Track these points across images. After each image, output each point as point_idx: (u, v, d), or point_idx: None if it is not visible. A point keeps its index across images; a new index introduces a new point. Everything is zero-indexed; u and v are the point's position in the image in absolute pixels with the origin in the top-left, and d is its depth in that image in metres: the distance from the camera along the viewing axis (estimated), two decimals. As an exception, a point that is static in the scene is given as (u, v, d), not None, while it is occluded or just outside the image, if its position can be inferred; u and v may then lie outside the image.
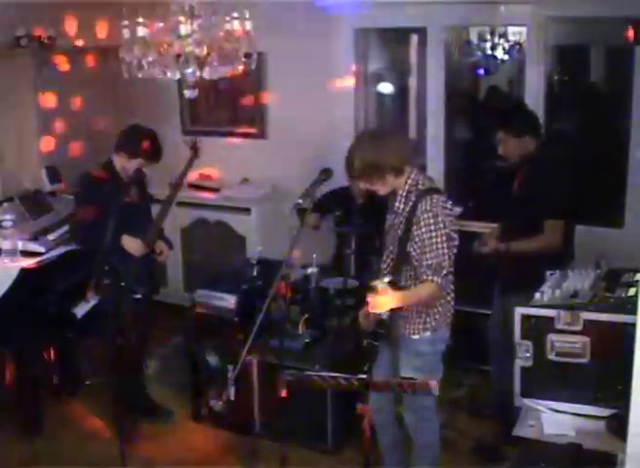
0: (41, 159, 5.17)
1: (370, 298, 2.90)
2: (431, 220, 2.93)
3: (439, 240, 2.94)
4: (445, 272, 2.97)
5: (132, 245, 3.91)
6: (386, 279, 2.90)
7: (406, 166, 3.04)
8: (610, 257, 3.35)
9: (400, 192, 3.05)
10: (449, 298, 3.15)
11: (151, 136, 4.00)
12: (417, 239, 2.96)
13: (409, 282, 3.06)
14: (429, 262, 2.94)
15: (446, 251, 2.95)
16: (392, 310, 2.97)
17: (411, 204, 3.00)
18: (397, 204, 3.06)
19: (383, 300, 2.89)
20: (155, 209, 4.24)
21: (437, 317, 3.10)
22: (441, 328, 3.13)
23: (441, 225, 2.94)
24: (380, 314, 2.96)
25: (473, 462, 3.78)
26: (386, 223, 3.20)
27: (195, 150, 4.22)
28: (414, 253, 2.99)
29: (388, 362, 3.18)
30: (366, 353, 3.06)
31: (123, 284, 3.71)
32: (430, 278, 2.94)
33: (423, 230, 2.93)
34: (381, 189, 3.07)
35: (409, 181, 3.03)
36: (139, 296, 3.84)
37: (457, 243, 3.04)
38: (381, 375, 3.06)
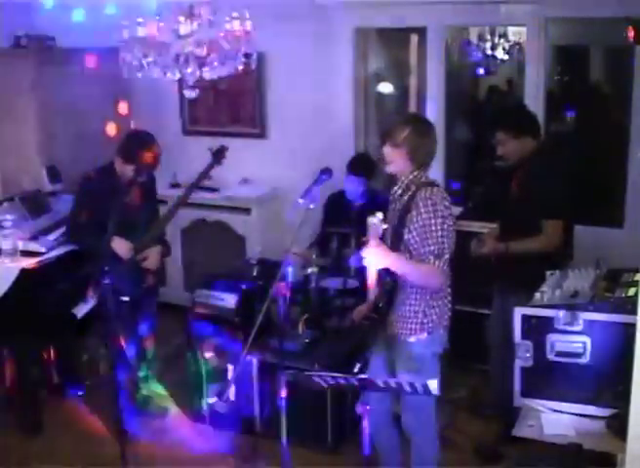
0: (41, 159, 5.17)
1: (365, 250, 2.88)
2: (430, 208, 2.94)
3: (438, 227, 2.93)
4: (447, 258, 2.97)
5: (120, 246, 3.88)
6: (380, 214, 2.86)
7: (427, 166, 3.10)
8: (610, 257, 3.35)
9: (402, 179, 3.07)
10: (446, 301, 3.14)
11: (148, 144, 3.95)
12: (416, 225, 2.95)
13: None
14: (431, 248, 2.94)
15: (445, 240, 2.95)
16: (388, 299, 2.98)
17: (410, 193, 3.02)
18: (396, 188, 3.09)
19: (379, 253, 2.87)
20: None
21: (434, 318, 3.09)
22: (437, 330, 3.12)
23: (440, 214, 2.94)
24: (376, 272, 2.97)
25: (473, 462, 3.78)
26: (388, 213, 3.20)
27: (219, 157, 4.06)
28: (412, 241, 2.98)
29: (384, 363, 3.18)
30: (359, 352, 3.06)
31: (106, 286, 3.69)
32: (433, 261, 2.94)
33: (424, 216, 2.93)
34: (395, 166, 3.06)
35: (415, 173, 3.05)
36: (126, 299, 3.77)
37: (453, 240, 3.03)
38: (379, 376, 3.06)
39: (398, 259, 2.94)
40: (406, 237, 2.99)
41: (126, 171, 3.93)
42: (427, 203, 2.94)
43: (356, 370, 2.99)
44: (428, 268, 2.95)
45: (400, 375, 3.06)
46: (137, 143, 3.95)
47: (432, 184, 3.04)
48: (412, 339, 3.09)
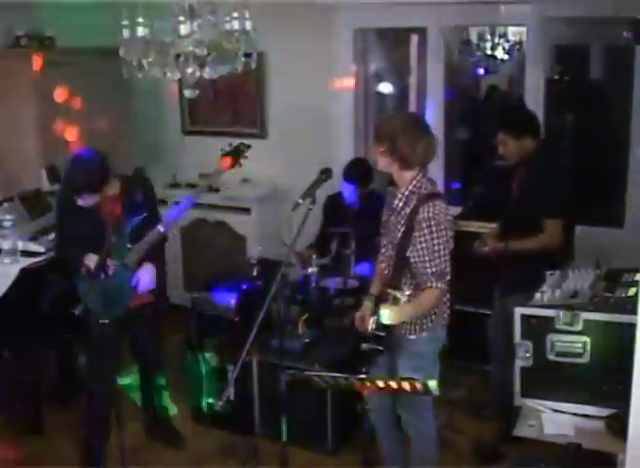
0: (41, 159, 5.17)
1: (384, 309, 2.88)
2: (433, 228, 2.92)
3: (441, 247, 2.94)
4: (448, 277, 2.99)
5: (93, 264, 3.50)
6: (408, 292, 2.88)
7: (417, 166, 3.03)
8: (610, 257, 3.35)
9: (402, 190, 3.04)
10: (445, 300, 3.15)
11: (79, 168, 3.45)
12: (418, 246, 2.95)
13: (408, 284, 3.05)
14: (433, 270, 2.95)
15: (447, 257, 2.97)
16: None
17: (412, 206, 2.99)
18: (397, 201, 3.05)
19: (397, 313, 2.90)
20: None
21: (434, 318, 3.10)
22: (437, 328, 3.13)
23: (443, 233, 2.94)
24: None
25: (473, 462, 3.78)
26: (382, 219, 3.21)
27: (234, 158, 3.67)
28: (413, 261, 2.98)
29: (385, 362, 3.18)
30: (366, 356, 3.06)
31: (79, 309, 3.57)
32: (435, 285, 2.95)
33: (427, 238, 2.93)
34: (380, 163, 3.06)
35: (414, 182, 3.02)
36: (105, 321, 3.41)
37: (452, 246, 3.04)
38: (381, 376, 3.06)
39: (410, 311, 2.96)
40: (408, 254, 2.98)
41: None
42: (430, 223, 2.93)
43: (364, 370, 2.99)
44: (431, 297, 2.99)
45: (401, 373, 3.06)
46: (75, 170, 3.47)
47: (432, 196, 2.99)
48: (412, 337, 3.10)
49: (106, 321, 3.37)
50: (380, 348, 3.00)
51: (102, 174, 3.45)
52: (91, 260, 3.52)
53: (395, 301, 2.88)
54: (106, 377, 3.54)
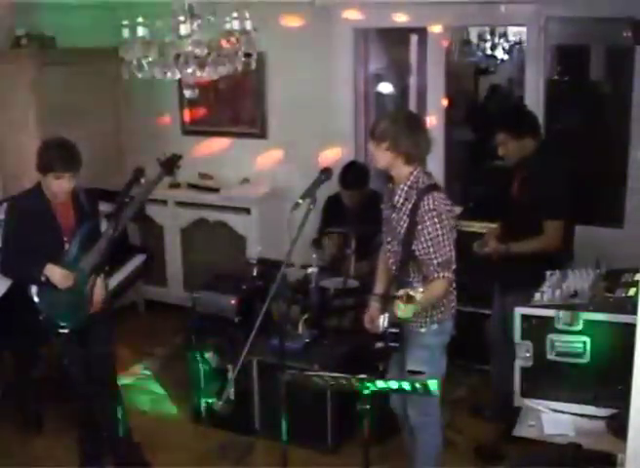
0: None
1: (399, 307, 2.84)
2: (435, 219, 2.96)
3: (445, 237, 2.98)
4: (454, 266, 3.02)
5: (54, 274, 3.47)
6: (421, 289, 2.85)
7: (418, 161, 3.07)
8: (610, 257, 3.35)
9: (401, 186, 3.07)
10: (451, 289, 3.16)
11: (56, 147, 3.46)
12: (422, 239, 2.99)
13: (414, 277, 3.08)
14: (439, 260, 2.98)
15: (452, 246, 3.01)
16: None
17: (412, 201, 3.02)
18: (397, 197, 3.08)
19: (411, 309, 2.86)
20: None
21: (443, 309, 3.13)
22: (446, 319, 3.16)
23: (445, 223, 2.98)
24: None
25: (473, 462, 3.78)
26: (383, 216, 3.23)
27: (169, 166, 3.74)
28: (418, 253, 3.01)
29: (398, 358, 3.19)
30: (381, 354, 3.06)
31: (42, 317, 3.52)
32: (442, 275, 2.99)
33: (430, 230, 2.97)
34: (382, 161, 3.08)
35: (411, 178, 3.05)
36: (65, 331, 3.42)
37: (455, 236, 3.07)
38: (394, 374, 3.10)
39: (422, 304, 2.90)
40: (413, 248, 3.01)
41: (48, 184, 3.46)
42: (432, 215, 2.96)
43: (381, 368, 3.00)
44: (440, 287, 3.01)
45: (409, 366, 3.09)
46: (45, 150, 3.48)
47: (432, 188, 3.03)
48: (422, 330, 3.11)
49: (66, 330, 3.42)
50: (396, 345, 3.02)
51: (78, 153, 3.48)
52: (51, 271, 3.47)
53: (410, 300, 2.87)
54: (82, 382, 3.58)
